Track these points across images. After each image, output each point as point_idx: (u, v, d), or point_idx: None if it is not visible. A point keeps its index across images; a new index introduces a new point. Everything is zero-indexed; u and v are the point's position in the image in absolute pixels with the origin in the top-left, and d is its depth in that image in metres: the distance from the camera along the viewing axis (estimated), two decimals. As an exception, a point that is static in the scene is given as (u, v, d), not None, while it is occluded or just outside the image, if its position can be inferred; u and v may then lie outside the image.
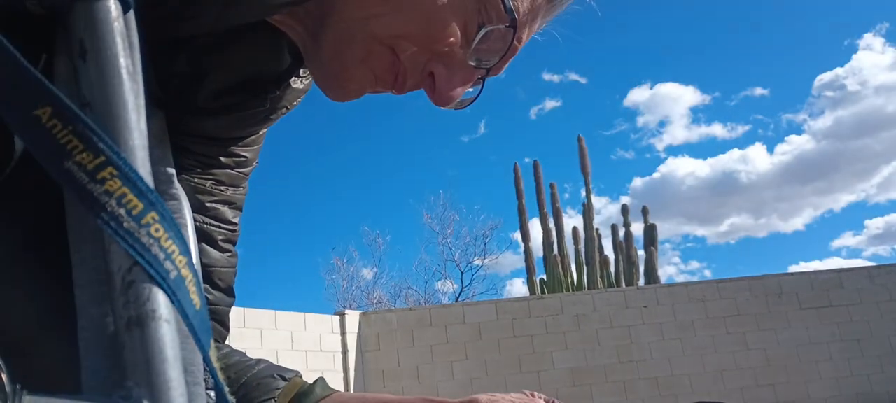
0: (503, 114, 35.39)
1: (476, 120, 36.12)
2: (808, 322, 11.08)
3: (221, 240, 1.12)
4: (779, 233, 35.65)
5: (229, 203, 1.13)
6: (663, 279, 14.82)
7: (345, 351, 10.45)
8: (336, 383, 10.09)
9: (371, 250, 33.93)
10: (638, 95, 39.74)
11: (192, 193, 1.06)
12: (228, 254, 1.14)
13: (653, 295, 11.49)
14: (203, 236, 1.09)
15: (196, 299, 0.55)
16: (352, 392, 10.19)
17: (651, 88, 38.30)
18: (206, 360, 0.61)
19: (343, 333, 10.54)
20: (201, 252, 1.09)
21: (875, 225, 36.91)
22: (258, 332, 9.38)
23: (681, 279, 22.70)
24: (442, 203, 29.04)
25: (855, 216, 37.79)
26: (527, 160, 16.07)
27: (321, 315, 10.60)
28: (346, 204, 33.84)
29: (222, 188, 1.11)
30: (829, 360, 10.84)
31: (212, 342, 0.63)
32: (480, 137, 34.57)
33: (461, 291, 24.01)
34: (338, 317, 10.71)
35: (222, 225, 1.12)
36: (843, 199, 37.96)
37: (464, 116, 35.79)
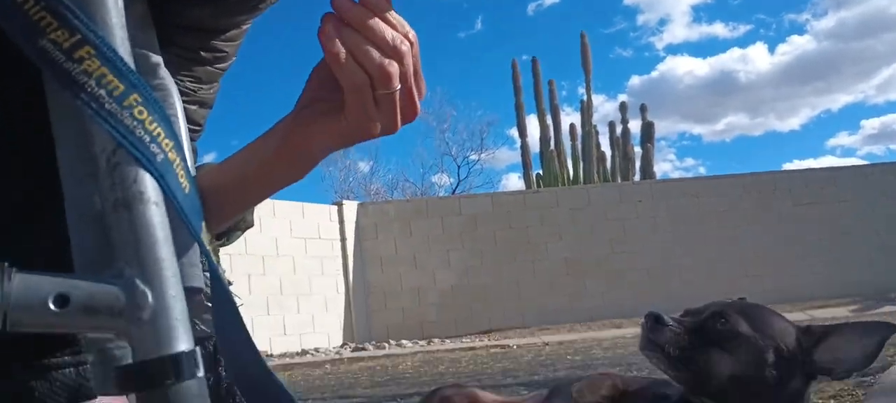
0: (501, 11, 34.46)
1: (473, 15, 35.17)
2: (800, 218, 11.22)
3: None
4: (775, 132, 35.58)
5: (201, 103, 1.10)
6: (658, 175, 14.91)
7: (343, 239, 10.60)
8: (336, 267, 10.29)
9: (368, 142, 33.72)
10: (639, -9, 38.70)
11: None
12: (194, 155, 1.13)
13: (648, 189, 11.56)
14: None
15: (185, 182, 0.55)
16: (352, 278, 10.42)
17: (652, -15, 37.16)
18: (199, 243, 0.61)
19: (341, 222, 10.66)
20: None
21: (871, 125, 36.89)
22: (257, 220, 9.46)
23: (675, 175, 22.81)
24: (438, 98, 28.73)
25: (852, 116, 37.67)
26: (524, 58, 15.77)
27: (319, 204, 10.70)
28: (343, 94, 33.29)
29: (197, 86, 1.09)
30: (817, 254, 11.05)
31: (202, 225, 0.64)
32: (477, 33, 33.81)
33: (457, 185, 24.16)
34: (335, 207, 10.80)
35: (190, 126, 1.11)
36: (841, 100, 37.66)
37: (461, 11, 34.84)
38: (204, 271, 0.88)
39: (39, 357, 0.55)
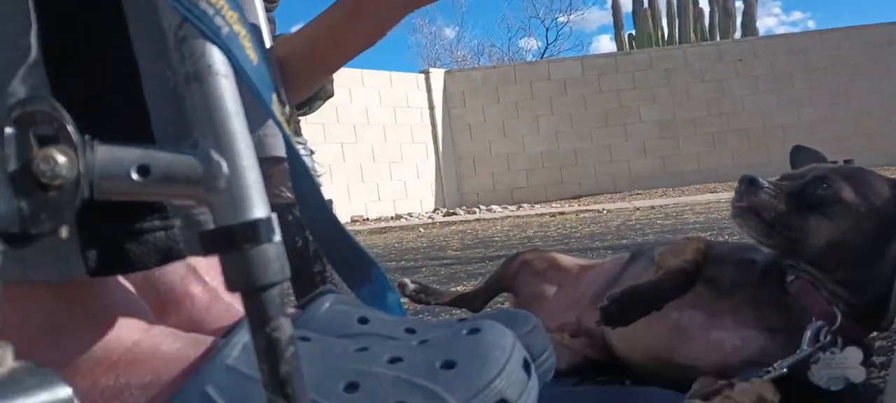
0: None
1: None
2: (918, 71, 10.33)
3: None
4: (900, -24, 32.01)
5: None
6: (761, 31, 13.96)
7: (431, 107, 10.65)
8: (425, 136, 10.42)
9: (452, 8, 33.02)
10: None
11: None
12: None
13: (749, 47, 10.88)
14: None
15: (252, 54, 0.56)
16: (441, 146, 10.54)
17: None
18: (270, 114, 0.63)
19: (429, 91, 10.68)
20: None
21: None
22: (347, 90, 9.63)
23: (781, 31, 21.22)
24: (527, -44, 27.44)
25: None
26: None
27: (406, 73, 10.72)
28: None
29: None
30: (935, 111, 10.23)
31: (273, 96, 0.65)
32: None
33: (545, 48, 23.46)
34: (423, 76, 10.79)
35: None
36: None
37: None
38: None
39: (131, 221, 0.59)
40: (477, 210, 9.11)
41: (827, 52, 10.53)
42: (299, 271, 1.08)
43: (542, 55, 22.97)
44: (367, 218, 9.23)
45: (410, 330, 0.80)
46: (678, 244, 1.06)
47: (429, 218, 8.55)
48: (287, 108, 1.08)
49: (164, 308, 0.81)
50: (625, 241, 3.37)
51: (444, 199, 10.46)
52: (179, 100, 0.44)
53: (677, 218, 4.72)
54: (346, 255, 0.84)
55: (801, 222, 0.90)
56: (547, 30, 24.01)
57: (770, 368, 0.87)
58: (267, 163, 1.04)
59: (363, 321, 0.80)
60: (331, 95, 1.22)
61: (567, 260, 1.25)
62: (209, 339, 0.68)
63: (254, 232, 0.40)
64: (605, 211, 6.34)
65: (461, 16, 33.65)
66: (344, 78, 9.66)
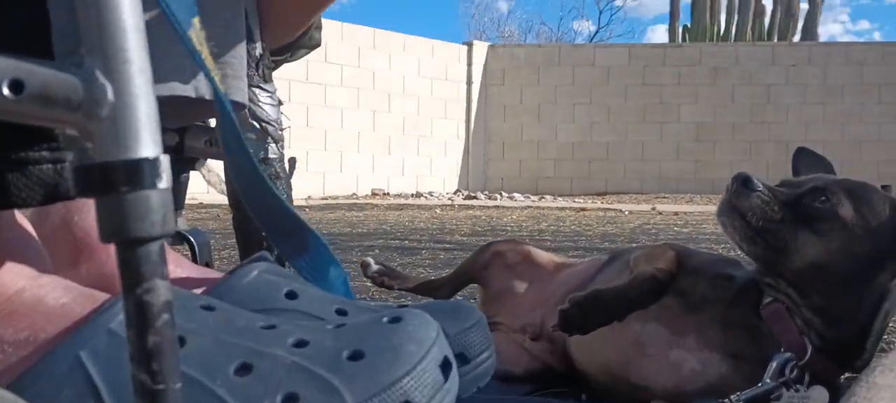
0: None
1: None
2: (980, 99, 9.90)
3: None
4: (976, -3, 30.72)
5: None
6: (823, 37, 13.49)
7: (469, 82, 10.56)
8: (458, 112, 10.40)
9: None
10: None
11: None
12: None
13: (805, 53, 10.54)
14: None
15: None
16: (473, 125, 10.44)
17: None
18: (184, 41, 0.57)
19: (469, 64, 10.58)
20: None
21: None
22: (387, 55, 9.58)
23: (843, 39, 20.55)
24: (589, -66, 26.90)
25: None
26: None
27: (449, 43, 10.61)
28: (486, -70, 32.07)
29: None
30: None
31: (195, 20, 0.59)
32: None
33: (596, 32, 23.07)
34: (465, 47, 10.68)
35: None
36: None
37: None
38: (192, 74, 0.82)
39: (15, 149, 0.54)
40: (498, 196, 9.03)
41: (886, 66, 10.13)
42: (249, 233, 1.04)
43: (592, 39, 22.62)
44: (387, 193, 9.21)
45: (341, 311, 0.75)
46: (655, 249, 0.99)
47: (448, 199, 8.50)
48: (258, 48, 1.02)
49: (78, 254, 0.76)
50: (635, 245, 3.29)
51: (467, 182, 10.39)
52: (75, 11, 0.38)
53: (696, 227, 4.61)
54: (280, 221, 0.79)
55: (788, 234, 0.83)
56: (600, 12, 23.55)
57: (726, 400, 0.80)
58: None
59: (291, 295, 0.75)
60: (318, 44, 1.16)
61: (543, 255, 1.19)
62: (106, 297, 0.64)
63: (135, 173, 0.35)
64: (627, 213, 6.22)
65: (516, -12, 33.21)
66: (385, 42, 9.61)
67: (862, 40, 17.41)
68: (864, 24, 30.97)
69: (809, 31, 13.02)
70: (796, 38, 12.85)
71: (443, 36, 11.97)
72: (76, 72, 0.36)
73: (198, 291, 0.71)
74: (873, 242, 0.83)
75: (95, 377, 0.55)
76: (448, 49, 10.47)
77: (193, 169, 1.04)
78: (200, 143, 1.01)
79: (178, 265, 0.78)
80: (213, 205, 5.52)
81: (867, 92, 10.11)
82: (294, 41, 1.10)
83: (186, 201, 1.10)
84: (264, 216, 0.78)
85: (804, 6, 13.31)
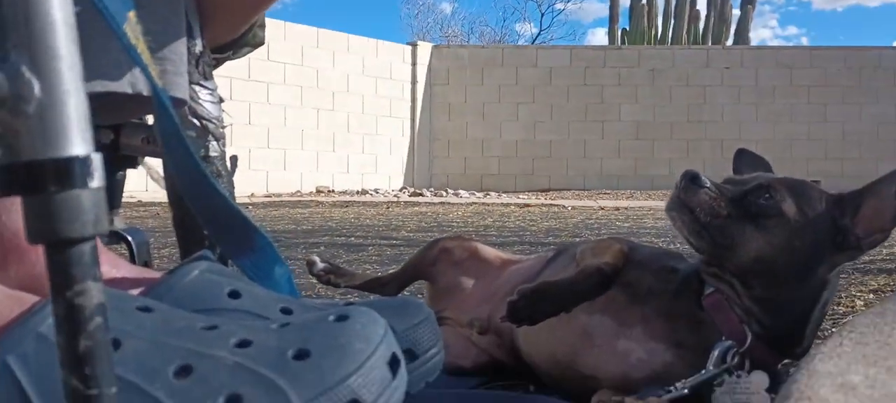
0: None
1: None
2: (900, 100, 10.43)
3: None
4: (894, 5, 32.39)
5: None
6: (754, 42, 14.01)
7: (414, 82, 10.55)
8: (403, 111, 10.37)
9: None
10: None
11: None
12: None
13: (738, 56, 10.91)
14: None
15: None
16: (418, 123, 10.44)
17: None
18: (119, 35, 0.54)
19: (414, 64, 10.57)
20: None
21: None
22: (331, 54, 9.49)
23: (773, 44, 21.36)
24: (530, -63, 27.28)
25: None
26: None
27: (394, 43, 10.58)
28: (428, -70, 32.14)
29: None
30: (911, 142, 10.36)
31: (130, 14, 0.57)
32: None
33: (538, 34, 23.37)
34: (410, 47, 10.67)
35: None
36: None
37: None
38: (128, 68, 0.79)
39: None
40: (444, 193, 9.06)
41: (813, 69, 10.59)
42: (189, 231, 1.01)
43: (534, 41, 22.90)
44: (332, 190, 9.13)
45: (286, 310, 0.73)
46: (600, 243, 1.00)
47: (394, 196, 8.48)
48: (198, 45, 0.99)
49: (6, 256, 0.73)
50: (578, 239, 3.34)
51: (413, 179, 10.39)
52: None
53: (637, 221, 4.72)
54: (223, 219, 0.77)
55: (734, 229, 0.86)
56: (542, 15, 23.92)
57: (672, 387, 0.82)
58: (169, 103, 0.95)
59: (234, 295, 0.73)
60: (261, 42, 1.13)
61: (489, 252, 1.19)
62: (35, 299, 0.61)
63: (65, 172, 0.34)
64: (570, 208, 6.33)
65: (459, -9, 33.41)
66: (329, 41, 9.52)
67: (791, 44, 18.17)
68: (793, 30, 32.30)
69: (742, 36, 13.50)
70: (729, 42, 13.31)
71: (386, 36, 11.95)
72: (1, 66, 0.34)
73: (135, 292, 0.69)
74: (813, 236, 0.86)
75: (24, 382, 0.53)
76: (392, 49, 10.45)
77: (131, 166, 1.01)
78: (137, 141, 0.97)
79: (115, 265, 0.75)
80: (152, 204, 5.37)
81: (797, 93, 10.54)
82: (237, 39, 1.07)
83: (124, 199, 1.07)
84: (207, 214, 0.76)
85: (736, 12, 13.80)
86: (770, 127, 10.47)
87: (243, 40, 1.10)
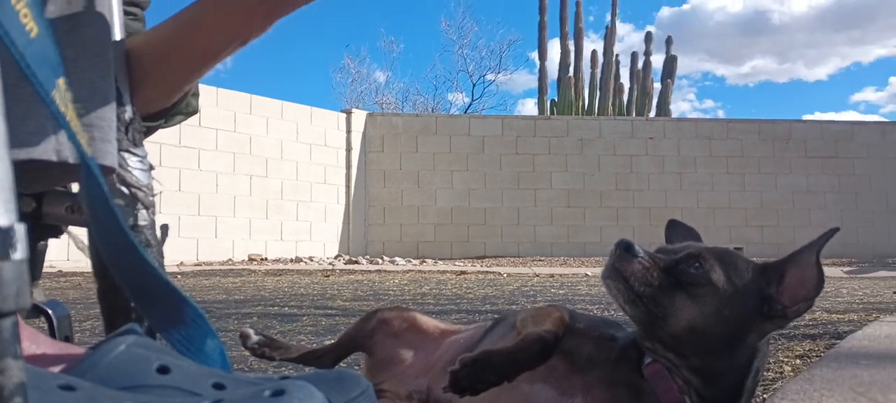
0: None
1: (507, -74, 34.02)
2: (811, 170, 11.06)
3: (126, 4, 1.01)
4: (800, 81, 34.77)
5: None
6: (675, 114, 14.66)
7: (349, 149, 10.54)
8: (338, 178, 10.29)
9: (385, 53, 33.46)
10: (682, -84, 37.26)
11: None
12: (137, 22, 1.03)
13: (660, 127, 11.39)
14: None
15: (31, 25, 0.47)
16: (353, 190, 10.41)
17: None
18: (47, 102, 0.52)
19: (348, 131, 10.59)
20: None
21: (901, 82, 35.83)
22: (264, 120, 9.41)
23: (692, 116, 22.45)
24: (462, 11, 28.22)
25: (882, 71, 36.70)
26: (555, -22, 15.26)
27: (328, 111, 10.59)
28: (362, 3, 32.79)
29: None
30: (823, 209, 10.94)
31: (59, 81, 0.55)
32: (510, -54, 32.77)
33: (470, 104, 23.90)
34: (344, 115, 10.70)
35: None
36: (873, 53, 36.59)
37: (494, -80, 33.61)
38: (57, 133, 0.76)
39: None
40: (380, 260, 8.98)
41: (730, 140, 11.13)
42: (115, 304, 0.96)
43: (467, 110, 23.39)
44: (265, 258, 8.93)
45: (219, 386, 0.69)
46: (541, 311, 1.00)
47: (329, 264, 8.35)
48: (128, 111, 0.96)
49: None
50: (515, 306, 3.35)
51: (348, 246, 10.29)
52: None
53: (572, 288, 4.77)
54: (151, 291, 0.73)
55: (667, 298, 0.87)
56: (473, 85, 24.50)
57: (613, 457, 0.82)
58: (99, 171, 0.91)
59: (163, 370, 0.69)
60: (195, 111, 1.10)
61: (428, 322, 1.17)
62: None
63: None
64: (505, 275, 6.36)
65: (392, 61, 33.97)
66: (263, 108, 9.45)
67: (709, 117, 19.06)
68: (709, 103, 34.11)
69: (663, 108, 14.15)
70: (652, 113, 13.91)
71: (320, 104, 11.97)
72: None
73: (56, 369, 0.65)
74: (741, 305, 0.88)
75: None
76: (327, 116, 10.46)
77: (54, 236, 0.96)
78: (61, 210, 0.93)
79: (34, 341, 0.71)
80: (73, 274, 5.11)
81: (716, 163, 11.04)
82: (170, 107, 1.05)
83: (44, 269, 1.01)
84: (134, 285, 0.72)
85: (657, 85, 14.49)
86: (693, 195, 10.91)
87: (176, 109, 1.07)
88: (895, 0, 33.72)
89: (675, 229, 1.11)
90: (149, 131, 1.09)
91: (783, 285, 0.90)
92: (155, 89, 0.98)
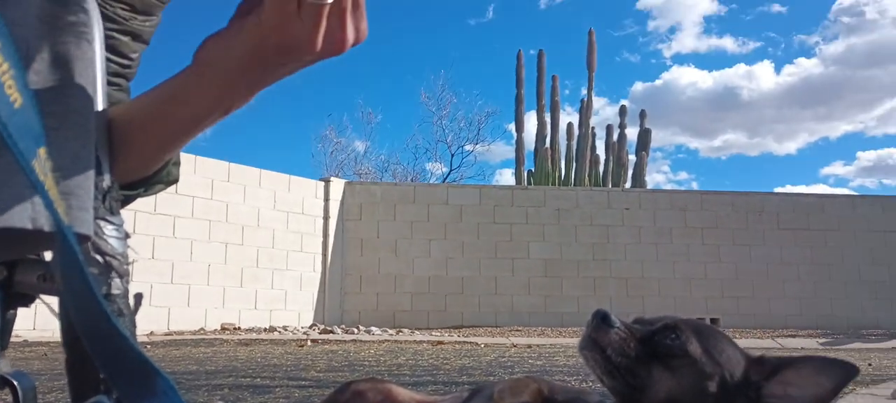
0: (513, 1, 34.40)
1: (485, 3, 35.08)
2: (784, 242, 11.22)
3: (111, 75, 1.02)
4: (770, 155, 35.64)
5: (133, 34, 1.03)
6: (650, 185, 14.89)
7: (326, 217, 10.51)
8: (315, 246, 10.23)
9: (364, 123, 33.83)
10: (653, -3, 38.77)
11: None
12: (121, 92, 1.04)
13: (636, 198, 11.54)
14: None
15: (14, 95, 0.47)
16: (330, 258, 10.34)
17: (668, -9, 37.17)
18: (27, 171, 0.53)
19: (326, 199, 10.58)
20: None
21: (867, 157, 36.89)
22: (242, 188, 9.39)
23: (667, 187, 22.83)
24: (441, 83, 28.74)
25: (849, 146, 37.71)
26: (531, 52, 15.71)
27: (306, 179, 10.61)
28: (343, 74, 33.33)
29: (130, 15, 1.02)
30: (796, 281, 11.06)
31: (40, 151, 0.55)
32: (488, 22, 33.71)
33: (448, 173, 24.10)
34: (322, 183, 10.71)
35: (114, 59, 1.03)
36: (840, 128, 37.73)
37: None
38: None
39: None
40: (355, 330, 8.86)
41: (705, 212, 11.29)
42: (83, 375, 0.94)
43: (445, 179, 23.54)
44: (238, 328, 8.76)
45: (189, 461, 0.68)
46: (518, 383, 1.00)
47: (304, 333, 8.22)
48: (106, 179, 0.96)
49: None
50: (493, 378, 3.31)
51: (324, 315, 10.15)
52: None
53: (549, 359, 4.74)
54: (122, 362, 0.72)
55: (644, 370, 0.87)
56: (452, 155, 24.74)
57: None
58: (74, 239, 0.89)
59: (132, 445, 0.68)
60: (175, 180, 1.10)
61: (404, 394, 1.16)
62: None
63: None
64: (483, 345, 6.30)
65: (371, 131, 34.27)
66: (241, 176, 9.44)
67: (683, 189, 19.43)
68: (683, 175, 34.75)
69: (638, 179, 14.38)
70: (628, 185, 14.13)
71: (300, 173, 11.98)
72: None
73: (20, 444, 0.63)
74: (726, 384, 0.88)
75: None
76: (305, 184, 10.47)
77: (24, 305, 0.94)
78: (33, 278, 0.91)
79: (-3, 415, 0.69)
80: (39, 344, 4.97)
81: (691, 234, 11.16)
82: (150, 176, 1.05)
83: (10, 339, 0.98)
84: (105, 355, 0.71)
85: (632, 157, 14.78)
86: (669, 266, 10.98)
87: (157, 177, 1.07)
88: (859, 79, 35.04)
89: None
90: (128, 200, 1.09)
91: (776, 379, 0.89)
92: (136, 158, 0.99)
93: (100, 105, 0.91)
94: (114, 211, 0.98)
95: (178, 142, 0.97)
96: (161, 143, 0.96)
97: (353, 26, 0.70)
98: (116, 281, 0.98)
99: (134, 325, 1.05)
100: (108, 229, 0.96)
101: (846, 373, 0.88)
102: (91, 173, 0.89)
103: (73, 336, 0.94)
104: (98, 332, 0.68)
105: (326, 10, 0.67)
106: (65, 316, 0.91)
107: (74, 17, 0.87)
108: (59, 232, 0.61)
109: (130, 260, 0.99)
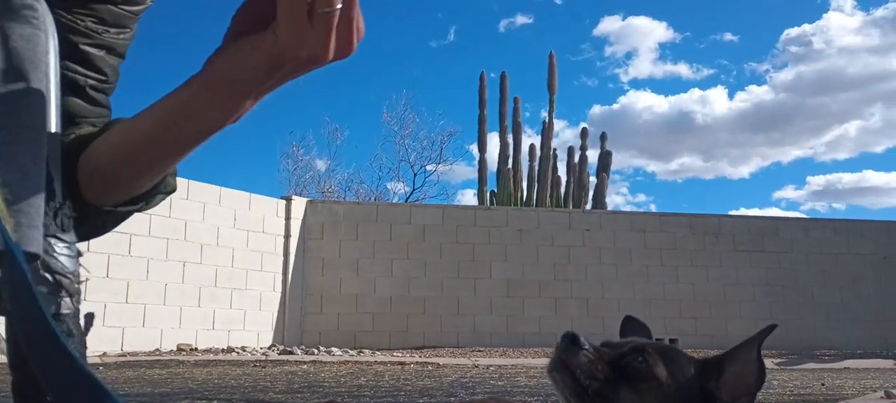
0: (474, 24, 34.76)
1: (447, 25, 35.38)
2: (740, 263, 11.46)
3: (90, 89, 1.01)
4: (725, 178, 36.48)
5: (108, 48, 1.02)
6: (610, 206, 15.09)
7: (287, 236, 10.40)
8: (275, 265, 10.10)
9: (328, 141, 33.68)
10: (609, 24, 39.56)
11: (63, 32, 0.95)
12: (100, 107, 1.03)
13: (597, 219, 11.68)
14: (68, 85, 0.98)
15: None
16: (291, 277, 10.21)
17: (623, 19, 37.97)
18: None
19: (288, 218, 10.47)
20: (66, 102, 0.98)
21: (817, 182, 37.98)
22: (201, 206, 9.24)
23: (626, 209, 23.16)
24: (403, 103, 28.79)
25: (800, 171, 38.77)
26: (492, 75, 15.86)
27: (267, 197, 10.48)
28: (306, 91, 33.17)
29: (101, 28, 1.00)
30: (752, 301, 11.30)
31: None
32: (449, 44, 33.98)
33: (411, 193, 24.09)
34: (284, 202, 10.60)
35: (90, 74, 1.01)
36: (791, 153, 38.87)
37: (434, 21, 34.98)
38: None
39: None
40: (316, 351, 8.75)
41: (664, 233, 11.48)
42: (30, 398, 0.91)
43: (407, 199, 23.50)
44: (195, 348, 8.58)
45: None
46: (480, 406, 1.00)
47: (263, 354, 8.09)
48: (58, 195, 0.94)
49: None
50: (453, 399, 3.29)
51: (283, 335, 10.00)
52: None
53: (511, 379, 4.74)
54: (71, 384, 0.70)
55: (612, 392, 0.88)
56: (415, 175, 24.73)
57: None
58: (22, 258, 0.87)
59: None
60: (174, 189, 1.09)
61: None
62: None
63: None
64: (444, 366, 6.28)
65: (335, 149, 34.13)
66: (200, 193, 9.29)
67: (642, 210, 19.76)
68: (642, 197, 35.33)
69: (599, 201, 14.58)
70: (588, 206, 14.31)
71: (262, 191, 11.86)
72: None
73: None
74: (683, 399, 0.90)
75: None
76: (266, 202, 10.35)
77: (-33, 325, 0.91)
78: (-22, 297, 0.88)
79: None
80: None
81: (651, 256, 11.33)
82: (149, 189, 1.04)
83: (-47, 362, 0.95)
84: (53, 378, 0.69)
85: (592, 179, 14.98)
86: (629, 286, 11.12)
87: (157, 189, 1.06)
88: (809, 106, 36.17)
89: (630, 325, 1.13)
90: (129, 214, 1.07)
91: (722, 380, 0.92)
92: (144, 175, 0.98)
93: (53, 119, 0.89)
94: (65, 229, 0.96)
95: (182, 155, 0.96)
96: (167, 158, 0.94)
97: (357, 26, 0.72)
98: (66, 301, 0.96)
99: (84, 346, 1.03)
100: (60, 247, 0.94)
101: (767, 330, 0.92)
102: (42, 190, 0.87)
103: (21, 357, 0.91)
104: (45, 353, 0.66)
105: (336, 17, 0.67)
106: (12, 336, 0.89)
107: (25, 26, 0.86)
108: (7, 249, 0.60)
109: (83, 278, 0.96)
